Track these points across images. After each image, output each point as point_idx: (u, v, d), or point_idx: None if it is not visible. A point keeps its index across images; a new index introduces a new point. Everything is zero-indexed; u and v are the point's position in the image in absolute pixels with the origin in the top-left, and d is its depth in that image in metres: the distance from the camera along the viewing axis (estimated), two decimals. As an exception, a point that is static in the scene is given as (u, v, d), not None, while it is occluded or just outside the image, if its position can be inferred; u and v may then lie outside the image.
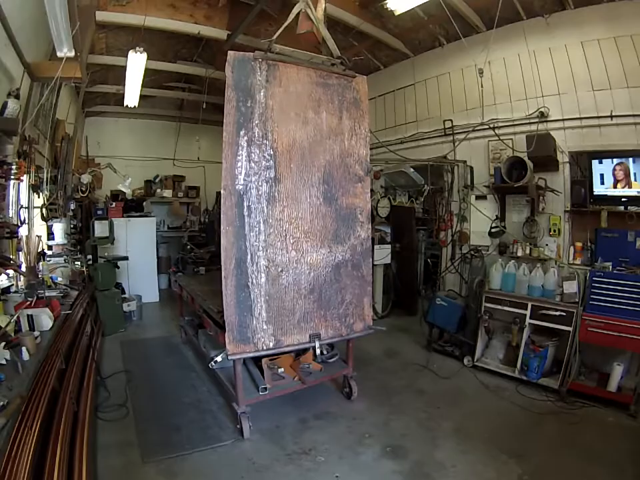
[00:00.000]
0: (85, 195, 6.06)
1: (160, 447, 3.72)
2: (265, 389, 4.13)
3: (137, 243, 8.56)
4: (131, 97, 8.34)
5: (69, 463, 2.83)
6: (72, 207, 5.31)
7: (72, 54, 4.49)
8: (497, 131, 6.45)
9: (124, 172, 8.77)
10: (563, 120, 5.80)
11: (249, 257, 3.50)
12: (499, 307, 5.49)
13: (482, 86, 6.17)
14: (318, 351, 3.86)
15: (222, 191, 3.43)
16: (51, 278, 5.24)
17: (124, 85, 7.79)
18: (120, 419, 4.17)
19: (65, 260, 5.43)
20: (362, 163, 4.21)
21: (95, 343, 5.73)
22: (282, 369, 4.42)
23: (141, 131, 10.39)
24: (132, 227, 8.67)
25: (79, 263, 5.56)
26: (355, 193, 4.12)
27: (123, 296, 7.47)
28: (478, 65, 6.44)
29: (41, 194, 5.27)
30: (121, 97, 8.46)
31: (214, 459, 3.60)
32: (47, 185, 5.39)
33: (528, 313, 5.20)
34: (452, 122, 6.99)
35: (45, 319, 3.71)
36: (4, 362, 2.89)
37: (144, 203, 9.16)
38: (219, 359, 3.61)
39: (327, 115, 4.04)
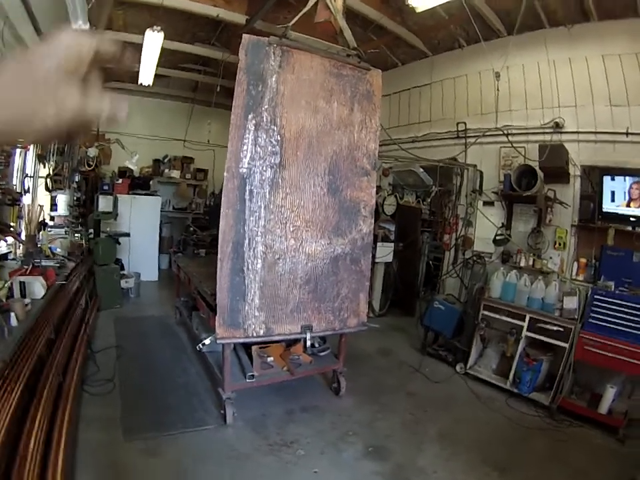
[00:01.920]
0: (92, 168, 5.98)
1: (142, 426, 3.69)
2: (252, 376, 4.08)
3: (140, 221, 8.51)
4: (146, 76, 8.28)
5: (48, 433, 2.79)
6: (76, 179, 5.22)
7: (86, 26, 4.43)
8: (509, 137, 6.34)
9: (133, 149, 8.77)
10: (578, 132, 5.66)
11: (246, 241, 3.43)
12: (497, 315, 5.39)
13: (498, 89, 6.07)
14: (309, 343, 3.80)
15: (225, 173, 3.35)
16: (50, 248, 5.20)
17: (139, 63, 7.73)
18: (106, 394, 4.13)
19: (65, 232, 5.37)
20: (370, 157, 4.12)
21: (89, 316, 5.70)
22: (271, 358, 4.35)
23: (153, 110, 10.28)
24: (136, 205, 8.62)
25: (79, 235, 5.49)
26: (361, 187, 4.03)
27: (122, 272, 7.42)
28: (496, 69, 6.40)
29: (46, 164, 5.21)
30: (135, 75, 8.38)
31: (195, 442, 3.56)
32: (53, 156, 5.33)
33: (525, 324, 5.08)
34: (465, 125, 6.86)
35: (38, 287, 3.67)
36: (-9, 326, 2.84)
37: (150, 182, 9.09)
38: (207, 341, 3.54)
39: (338, 106, 3.95)
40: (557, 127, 5.82)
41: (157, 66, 7.88)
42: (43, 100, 0.46)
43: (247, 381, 4.05)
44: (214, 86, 9.11)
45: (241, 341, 3.61)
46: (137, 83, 8.58)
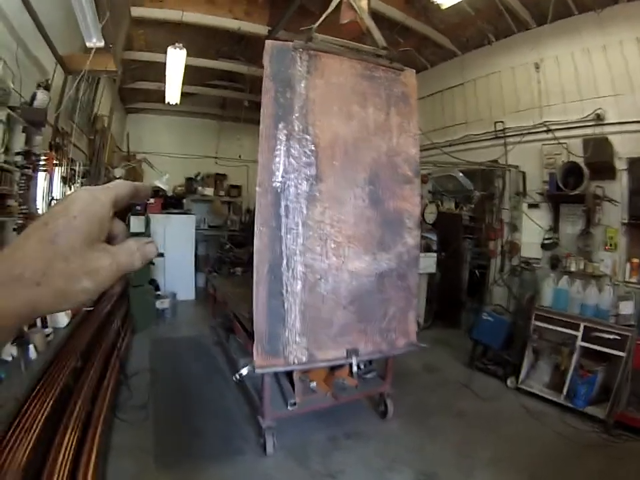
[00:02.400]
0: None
1: (176, 456, 3.50)
2: (294, 404, 3.76)
3: (175, 240, 8.29)
4: (172, 94, 8.12)
5: (74, 464, 2.61)
6: None
7: (101, 44, 4.25)
8: (551, 134, 5.93)
9: (164, 168, 8.60)
10: (621, 123, 5.24)
11: (284, 261, 3.08)
12: (550, 326, 4.96)
13: (539, 82, 5.61)
14: (355, 369, 3.40)
15: (257, 188, 3.02)
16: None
17: (165, 82, 7.59)
18: (139, 422, 3.91)
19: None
20: (411, 163, 3.74)
21: (122, 339, 5.48)
22: (314, 383, 3.98)
23: (182, 129, 10.18)
24: (170, 224, 8.43)
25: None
26: (403, 196, 3.64)
27: (157, 293, 7.21)
28: (529, 63, 6.10)
29: (72, 186, 5.00)
30: (162, 94, 8.24)
31: (232, 473, 3.35)
32: (80, 178, 5.12)
33: (580, 334, 4.64)
34: (503, 124, 6.42)
35: (60, 315, 3.39)
36: (9, 359, 2.65)
37: (184, 200, 8.90)
38: (244, 371, 3.19)
39: (373, 110, 3.59)
40: (599, 118, 5.41)
41: (183, 84, 7.72)
42: (73, 275, 0.44)
43: (289, 408, 3.74)
44: (242, 101, 8.92)
45: (282, 369, 3.26)
46: (165, 102, 8.43)
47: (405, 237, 3.63)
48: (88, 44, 4.18)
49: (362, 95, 3.56)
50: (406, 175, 3.70)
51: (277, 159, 3.09)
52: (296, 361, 3.20)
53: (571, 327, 4.72)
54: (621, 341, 4.31)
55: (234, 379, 3.37)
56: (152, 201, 8.39)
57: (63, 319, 3.43)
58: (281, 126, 3.16)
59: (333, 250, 3.23)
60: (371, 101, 3.59)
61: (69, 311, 3.62)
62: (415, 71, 3.92)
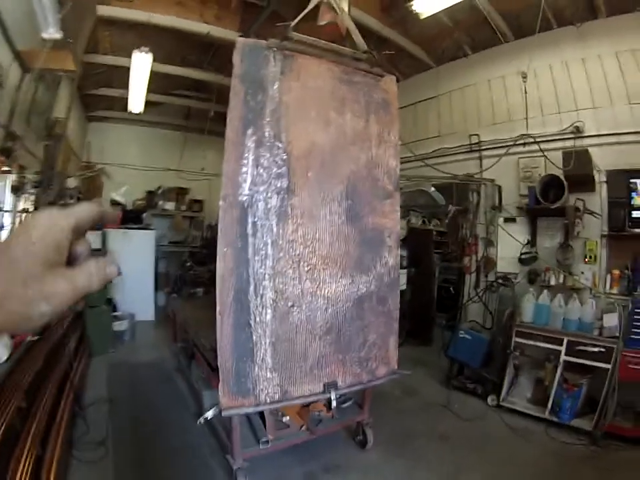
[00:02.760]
0: (72, 200, 5.23)
1: None
2: (267, 442, 3.33)
3: (133, 257, 7.66)
4: (136, 102, 7.66)
5: None
6: None
7: (59, 36, 3.79)
8: (528, 147, 5.81)
9: (126, 181, 8.06)
10: (599, 136, 5.21)
11: (251, 287, 2.62)
12: (531, 342, 4.84)
13: (526, 92, 5.46)
14: (334, 404, 2.98)
15: (220, 202, 2.57)
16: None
17: (129, 90, 7.13)
18: (97, 460, 3.48)
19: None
20: (391, 175, 3.38)
21: (77, 366, 4.93)
22: (287, 417, 3.54)
23: (145, 140, 9.63)
24: (129, 240, 7.82)
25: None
26: (383, 212, 3.27)
27: (114, 314, 6.61)
28: (507, 75, 6.02)
29: (23, 197, 4.46)
30: (126, 103, 7.77)
31: None
32: (32, 187, 4.57)
33: (563, 349, 4.54)
34: (479, 137, 6.18)
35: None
36: None
37: (144, 215, 8.30)
38: (209, 414, 2.73)
39: (351, 117, 3.22)
40: (578, 131, 5.36)
41: (148, 91, 7.29)
42: (31, 299, 0.46)
43: (261, 447, 3.32)
44: (207, 112, 8.47)
45: (252, 410, 2.78)
46: (127, 110, 7.94)
47: (385, 257, 3.25)
48: (44, 35, 3.73)
49: (340, 101, 3.19)
50: (386, 188, 3.34)
51: (244, 169, 2.66)
52: (268, 400, 2.74)
53: (553, 342, 4.63)
54: (605, 353, 4.26)
55: (198, 423, 2.87)
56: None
57: (1, 353, 2.89)
58: (249, 132, 2.74)
59: (307, 273, 2.79)
60: (349, 107, 3.22)
61: (8, 343, 3.10)
62: (395, 77, 3.60)
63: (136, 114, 8.04)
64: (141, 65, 6.43)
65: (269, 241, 2.68)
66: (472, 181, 6.01)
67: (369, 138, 3.32)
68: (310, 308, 2.83)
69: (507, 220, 5.92)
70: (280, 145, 2.84)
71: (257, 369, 2.67)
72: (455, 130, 6.59)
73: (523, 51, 5.72)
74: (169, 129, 9.92)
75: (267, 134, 2.81)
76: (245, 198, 2.62)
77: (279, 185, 2.75)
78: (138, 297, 7.77)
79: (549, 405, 4.57)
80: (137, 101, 7.56)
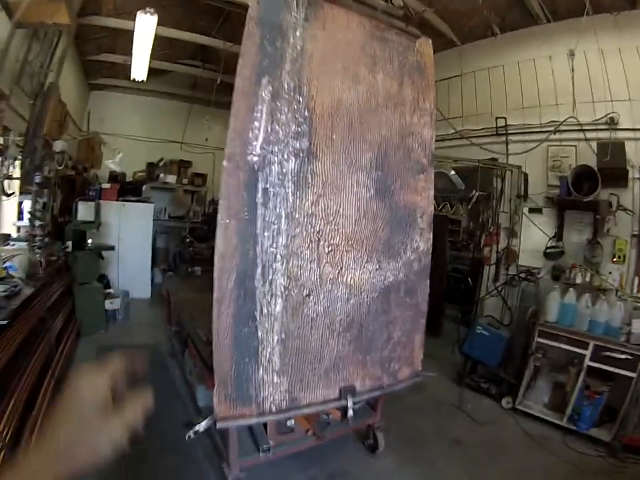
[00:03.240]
0: (61, 166, 4.64)
1: None
2: (268, 449, 2.78)
3: (131, 231, 7.11)
4: (139, 69, 6.98)
5: None
6: (37, 179, 3.87)
7: None
8: (558, 134, 5.18)
9: (126, 152, 7.45)
10: (634, 130, 4.67)
11: (258, 270, 2.06)
12: (555, 343, 4.32)
13: (573, 70, 4.94)
14: (350, 412, 2.43)
15: (225, 163, 1.99)
16: (6, 268, 3.84)
17: (132, 56, 6.49)
18: None
19: (30, 246, 4.01)
20: (425, 147, 2.82)
21: (60, 352, 4.39)
22: (292, 421, 2.99)
23: (148, 110, 8.93)
24: (126, 213, 7.25)
25: (40, 250, 4.11)
26: (416, 188, 2.70)
27: (107, 291, 6.05)
28: (536, 59, 5.47)
29: (6, 162, 3.88)
30: (129, 71, 7.10)
31: None
32: (18, 151, 3.99)
33: (589, 353, 4.07)
34: (505, 120, 5.57)
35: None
36: None
37: (143, 187, 7.69)
38: (202, 426, 2.16)
39: (383, 77, 2.65)
40: (612, 122, 4.78)
41: (152, 59, 6.61)
42: (95, 443, 0.60)
43: (261, 455, 2.78)
44: (214, 83, 7.81)
45: (254, 421, 2.21)
46: (131, 79, 7.29)
47: (416, 240, 2.68)
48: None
49: (371, 58, 2.62)
50: (420, 161, 2.77)
51: (256, 124, 2.07)
52: (273, 408, 2.19)
53: (578, 345, 4.17)
54: (632, 361, 3.84)
55: (187, 437, 2.30)
56: (107, 185, 7.24)
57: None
58: (264, 81, 2.15)
59: (327, 255, 2.22)
60: (381, 66, 2.65)
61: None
62: (430, 40, 3.04)
63: (139, 82, 7.38)
64: (146, 27, 5.79)
65: (283, 214, 2.10)
66: (497, 166, 5.42)
67: (403, 102, 2.76)
68: (329, 298, 2.26)
69: (532, 210, 5.34)
70: (300, 100, 2.26)
71: (261, 371, 2.11)
72: (480, 111, 5.98)
73: (555, 35, 5.22)
74: (173, 100, 9.19)
75: (285, 85, 2.22)
76: (255, 158, 2.04)
77: (297, 146, 2.16)
78: (134, 273, 7.22)
79: (568, 412, 4.16)
80: (140, 67, 6.91)
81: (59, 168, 4.58)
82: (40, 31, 4.73)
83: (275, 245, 2.07)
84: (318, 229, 2.18)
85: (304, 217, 2.14)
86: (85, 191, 6.61)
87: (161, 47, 6.59)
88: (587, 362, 4.06)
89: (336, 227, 2.23)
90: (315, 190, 2.18)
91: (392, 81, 2.70)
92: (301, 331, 2.19)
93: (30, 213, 4.00)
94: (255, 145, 2.05)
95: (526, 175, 5.41)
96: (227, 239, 1.95)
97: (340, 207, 2.25)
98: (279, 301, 2.10)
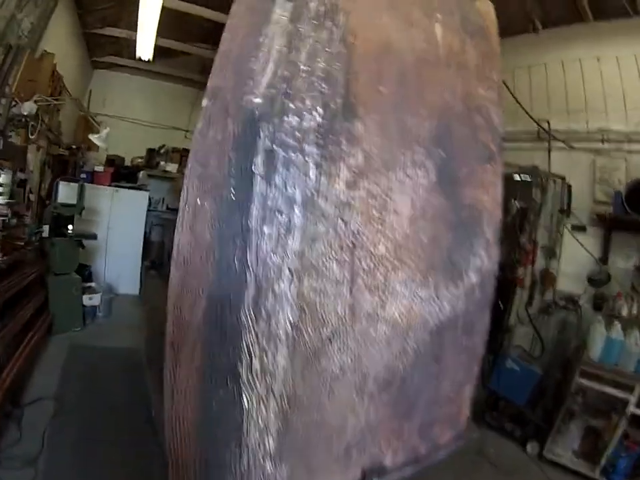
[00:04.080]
0: (33, 136, 3.76)
1: None
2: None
3: (122, 220, 6.20)
4: (145, 46, 6.16)
5: None
6: None
7: None
8: (607, 144, 4.36)
9: (127, 135, 6.65)
10: None
11: (249, 292, 1.13)
12: (598, 385, 3.54)
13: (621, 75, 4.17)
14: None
15: (204, 102, 1.11)
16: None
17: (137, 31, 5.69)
18: None
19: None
20: (494, 129, 1.93)
21: (23, 349, 3.66)
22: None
23: (152, 93, 8.06)
24: (119, 200, 6.35)
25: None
26: (483, 182, 1.80)
27: (87, 284, 5.15)
28: (583, 59, 4.66)
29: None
30: (134, 50, 6.29)
31: None
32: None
33: (634, 398, 3.38)
34: (549, 124, 4.69)
35: None
36: None
37: (140, 174, 6.79)
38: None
39: (443, 28, 1.77)
40: None
41: (160, 37, 5.81)
42: None
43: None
44: (225, 68, 6.97)
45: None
46: (136, 57, 6.48)
47: (481, 256, 1.76)
48: None
49: (427, 1, 1.76)
50: (488, 146, 1.87)
51: (264, 50, 1.19)
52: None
53: (623, 388, 3.47)
54: None
55: None
56: (100, 168, 6.36)
57: None
58: None
59: (365, 273, 1.28)
60: (439, 14, 1.78)
61: None
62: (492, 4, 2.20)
63: (145, 62, 6.56)
64: (152, -1, 4.95)
65: (299, 196, 1.18)
66: (538, 175, 4.51)
67: (466, 65, 1.87)
68: (362, 342, 1.32)
69: (575, 228, 4.45)
70: (334, 29, 1.37)
71: (246, 458, 1.19)
72: (518, 112, 5.10)
73: (604, 36, 4.44)
74: (180, 84, 8.31)
75: (312, 5, 1.33)
76: (258, 100, 1.14)
77: (327, 91, 1.26)
78: (122, 267, 6.28)
79: (602, 462, 3.47)
80: (146, 44, 6.08)
81: (31, 137, 3.71)
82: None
83: (280, 251, 1.14)
84: (354, 229, 1.25)
85: (333, 207, 1.21)
86: (72, 170, 5.76)
87: (169, 26, 5.82)
88: (632, 408, 3.37)
89: (382, 228, 1.30)
90: (353, 164, 1.26)
91: (453, 35, 1.83)
92: (315, 396, 1.27)
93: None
94: (260, 80, 1.15)
95: (570, 187, 4.51)
96: (195, 233, 1.05)
97: (389, 195, 1.33)
98: (282, 348, 1.17)
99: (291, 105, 1.18)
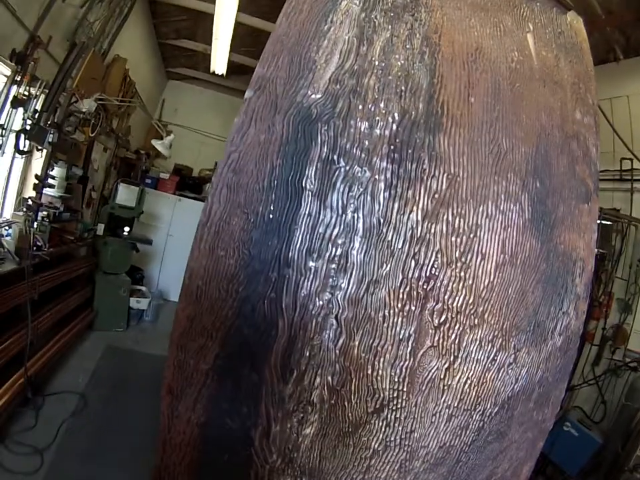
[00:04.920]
0: (93, 135, 3.68)
1: None
2: None
3: (183, 229, 6.09)
4: (219, 61, 6.15)
5: None
6: (50, 138, 2.96)
7: None
8: None
9: (196, 148, 6.66)
10: None
11: (280, 344, 0.84)
12: None
13: None
14: None
15: (247, 94, 0.84)
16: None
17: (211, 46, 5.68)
18: (23, 473, 2.33)
19: (26, 216, 3.07)
20: (591, 164, 1.56)
21: (54, 343, 3.52)
22: None
23: (225, 108, 7.95)
24: (182, 209, 6.28)
25: (46, 224, 3.16)
26: (579, 225, 1.42)
27: (137, 287, 5.06)
28: None
29: (24, 114, 2.99)
30: (209, 63, 6.32)
31: None
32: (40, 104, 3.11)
33: None
34: (632, 163, 4.14)
35: None
36: None
37: (205, 186, 6.74)
38: None
39: (535, 40, 1.45)
40: None
41: (233, 51, 5.78)
42: None
43: None
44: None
45: None
46: (210, 71, 6.52)
47: (569, 314, 1.38)
48: None
49: (517, 9, 1.45)
50: (585, 182, 1.50)
51: (330, 38, 0.92)
52: None
53: None
54: None
55: None
56: (165, 175, 6.37)
57: None
58: None
59: (435, 331, 0.95)
60: (531, 25, 1.48)
61: None
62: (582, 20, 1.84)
63: (219, 77, 6.57)
64: (225, 9, 4.89)
65: (361, 223, 0.87)
66: (619, 219, 3.96)
67: (562, 83, 1.53)
68: (417, 416, 0.99)
69: (653, 280, 3.86)
70: (415, 25, 1.09)
71: None
72: (600, 149, 4.58)
73: None
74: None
75: None
76: (316, 97, 0.87)
77: (407, 95, 0.96)
78: (177, 274, 6.17)
79: None
80: (220, 58, 6.07)
81: (91, 135, 3.65)
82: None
83: (327, 294, 0.84)
84: (429, 273, 0.91)
85: (405, 242, 0.90)
86: (135, 174, 5.77)
87: (244, 42, 5.78)
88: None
89: (463, 274, 0.96)
90: (435, 188, 0.94)
91: (547, 49, 1.51)
92: (344, 474, 0.94)
93: (37, 177, 3.09)
94: (321, 73, 0.88)
95: (653, 234, 3.95)
96: (215, 257, 0.78)
97: (476, 233, 1.00)
98: (313, 415, 0.87)
99: (360, 106, 0.89)
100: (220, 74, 6.48)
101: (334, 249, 0.84)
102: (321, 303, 0.83)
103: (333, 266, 0.83)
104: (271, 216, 0.81)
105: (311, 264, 0.82)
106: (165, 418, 0.85)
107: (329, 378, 0.85)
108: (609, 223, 4.00)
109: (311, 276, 0.82)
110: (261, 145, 0.83)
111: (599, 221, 3.96)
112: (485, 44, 1.28)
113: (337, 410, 0.88)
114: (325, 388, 0.85)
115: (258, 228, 0.81)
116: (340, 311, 0.84)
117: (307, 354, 0.83)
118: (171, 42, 6.55)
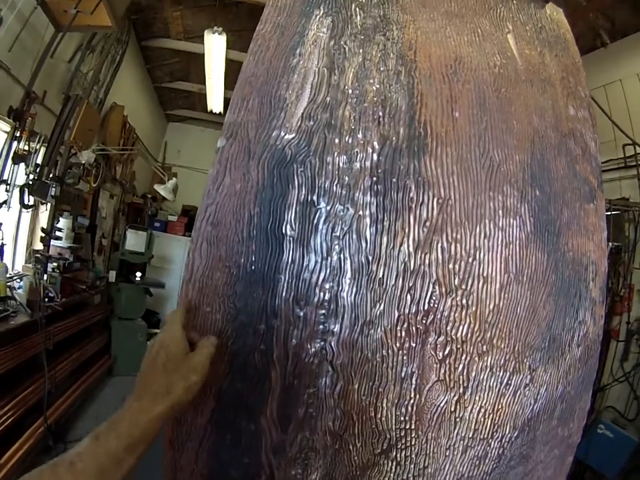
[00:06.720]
0: (95, 184, 3.75)
1: None
2: None
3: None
4: (214, 98, 6.26)
5: None
6: (53, 192, 3.01)
7: None
8: None
9: (200, 186, 6.69)
10: None
11: (275, 395, 0.79)
12: None
13: None
14: None
15: (219, 142, 0.83)
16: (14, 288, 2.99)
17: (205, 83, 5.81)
18: None
19: (35, 268, 3.11)
20: (592, 160, 1.49)
21: (74, 390, 3.62)
22: None
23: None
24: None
25: (56, 275, 3.21)
26: (586, 227, 1.35)
27: (154, 331, 5.07)
28: None
29: (26, 169, 3.06)
30: (206, 102, 6.45)
31: None
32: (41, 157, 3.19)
33: None
34: (635, 148, 4.04)
35: None
36: None
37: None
38: None
39: (517, 40, 1.42)
40: None
41: (227, 88, 5.88)
42: (184, 375, 0.66)
43: None
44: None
45: None
46: (208, 110, 6.64)
47: (586, 323, 1.31)
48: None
49: (495, 10, 1.43)
50: (588, 181, 1.44)
51: (299, 72, 0.90)
52: None
53: None
54: None
55: None
56: (174, 218, 6.43)
57: None
58: (319, 12, 1.02)
59: (440, 365, 0.89)
60: (511, 25, 1.46)
61: None
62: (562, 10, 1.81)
63: (217, 115, 6.65)
64: (215, 48, 4.98)
65: (348, 264, 0.83)
66: (629, 208, 3.86)
67: (550, 80, 1.49)
68: (428, 453, 0.93)
69: (673, 268, 3.72)
70: (387, 43, 1.08)
71: None
72: (601, 139, 4.49)
73: None
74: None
75: (356, 19, 1.06)
76: (290, 137, 0.84)
77: (385, 121, 0.93)
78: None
79: None
80: (215, 96, 6.17)
81: (93, 185, 3.72)
82: (96, 45, 4.11)
83: (319, 342, 0.80)
84: (427, 306, 0.86)
85: (396, 276, 0.84)
86: (144, 219, 5.83)
87: (237, 77, 5.93)
88: None
89: (465, 301, 0.91)
90: (425, 216, 0.90)
91: (529, 47, 1.48)
92: None
93: (43, 230, 3.14)
94: (293, 110, 0.86)
95: (668, 222, 3.82)
96: (201, 314, 0.76)
97: (474, 256, 0.95)
98: (318, 461, 0.82)
99: (336, 140, 0.86)
100: (217, 112, 6.58)
101: (322, 294, 0.79)
102: (313, 350, 0.78)
103: (322, 311, 0.79)
104: (253, 267, 0.77)
105: (299, 312, 0.78)
106: (168, 471, 0.83)
107: (330, 424, 0.80)
108: (619, 212, 3.89)
109: (300, 324, 0.78)
110: (237, 194, 0.80)
111: (608, 213, 3.90)
112: (464, 53, 1.25)
113: (342, 454, 0.83)
114: (327, 434, 0.80)
115: (241, 280, 0.77)
116: (334, 357, 0.79)
117: (304, 402, 0.79)
118: (167, 85, 6.72)
